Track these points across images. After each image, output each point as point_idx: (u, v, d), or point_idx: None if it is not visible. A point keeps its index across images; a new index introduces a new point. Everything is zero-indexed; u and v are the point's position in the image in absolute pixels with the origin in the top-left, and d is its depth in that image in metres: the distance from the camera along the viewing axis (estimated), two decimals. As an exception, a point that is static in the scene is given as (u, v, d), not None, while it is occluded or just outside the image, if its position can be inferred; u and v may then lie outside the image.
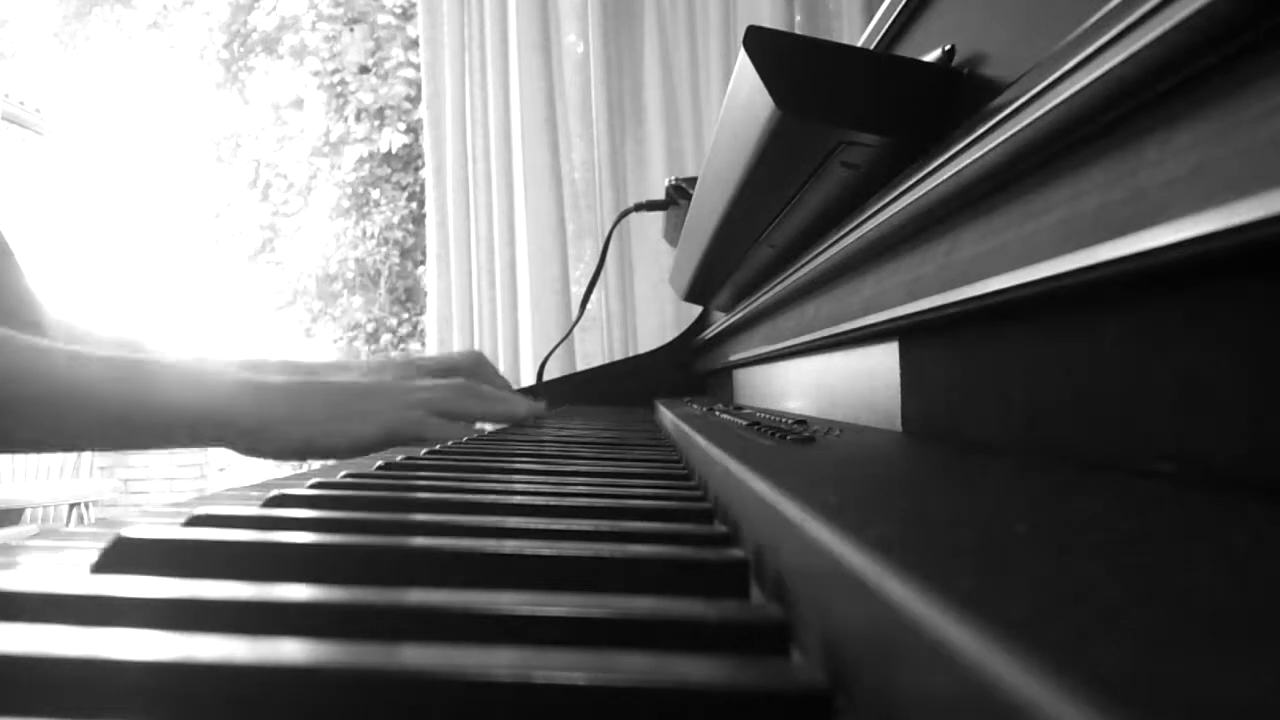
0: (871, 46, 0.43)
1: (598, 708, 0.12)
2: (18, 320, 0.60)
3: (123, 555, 0.19)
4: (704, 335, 1.00)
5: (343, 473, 0.34)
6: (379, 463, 0.38)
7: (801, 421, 0.42)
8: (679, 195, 1.05)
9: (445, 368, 0.79)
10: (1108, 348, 0.21)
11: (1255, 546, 0.12)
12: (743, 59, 0.37)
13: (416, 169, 5.57)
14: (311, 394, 0.61)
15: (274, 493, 0.27)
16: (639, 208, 1.16)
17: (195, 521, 0.23)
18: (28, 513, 3.29)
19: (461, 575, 0.19)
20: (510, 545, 0.19)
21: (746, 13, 1.43)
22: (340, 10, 5.91)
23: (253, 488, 0.33)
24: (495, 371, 0.84)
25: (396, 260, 5.76)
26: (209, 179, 6.51)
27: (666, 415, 0.66)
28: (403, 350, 5.70)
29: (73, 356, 0.54)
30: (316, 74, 5.90)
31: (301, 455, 0.61)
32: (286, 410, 0.59)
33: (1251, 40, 0.15)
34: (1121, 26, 0.18)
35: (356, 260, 5.74)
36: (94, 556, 0.19)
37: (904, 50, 0.40)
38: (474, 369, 0.80)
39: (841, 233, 0.37)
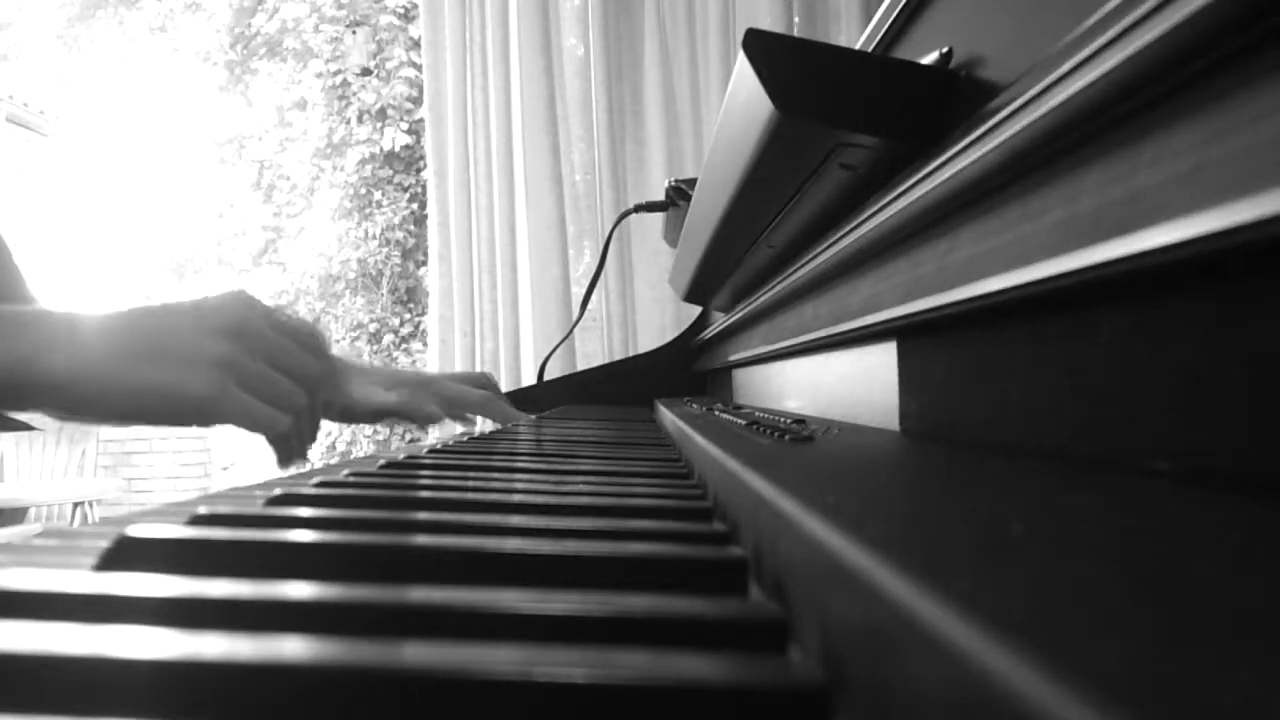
0: (870, 49, 0.43)
1: (598, 705, 0.12)
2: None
3: (126, 554, 0.19)
4: (703, 335, 1.00)
5: (345, 471, 0.34)
6: (381, 461, 0.38)
7: (800, 421, 0.42)
8: (678, 196, 1.05)
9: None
10: (1105, 348, 0.21)
11: (1253, 545, 0.12)
12: (742, 61, 0.38)
13: (418, 170, 5.57)
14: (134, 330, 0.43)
15: (277, 491, 0.28)
16: (639, 209, 1.16)
17: (199, 520, 0.23)
18: (32, 511, 3.30)
19: (464, 573, 0.19)
20: (512, 544, 0.20)
21: (745, 15, 1.43)
22: (343, 13, 5.92)
23: (256, 486, 0.33)
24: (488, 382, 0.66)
25: (398, 261, 5.76)
26: (213, 180, 6.52)
27: (666, 415, 0.66)
28: (405, 350, 5.70)
29: None
30: (319, 75, 5.91)
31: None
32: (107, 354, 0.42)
33: (1246, 43, 0.15)
34: (1118, 29, 0.18)
35: (358, 261, 5.75)
36: (98, 556, 0.19)
37: (902, 53, 0.40)
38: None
39: (840, 233, 0.37)
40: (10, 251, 0.59)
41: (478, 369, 1.71)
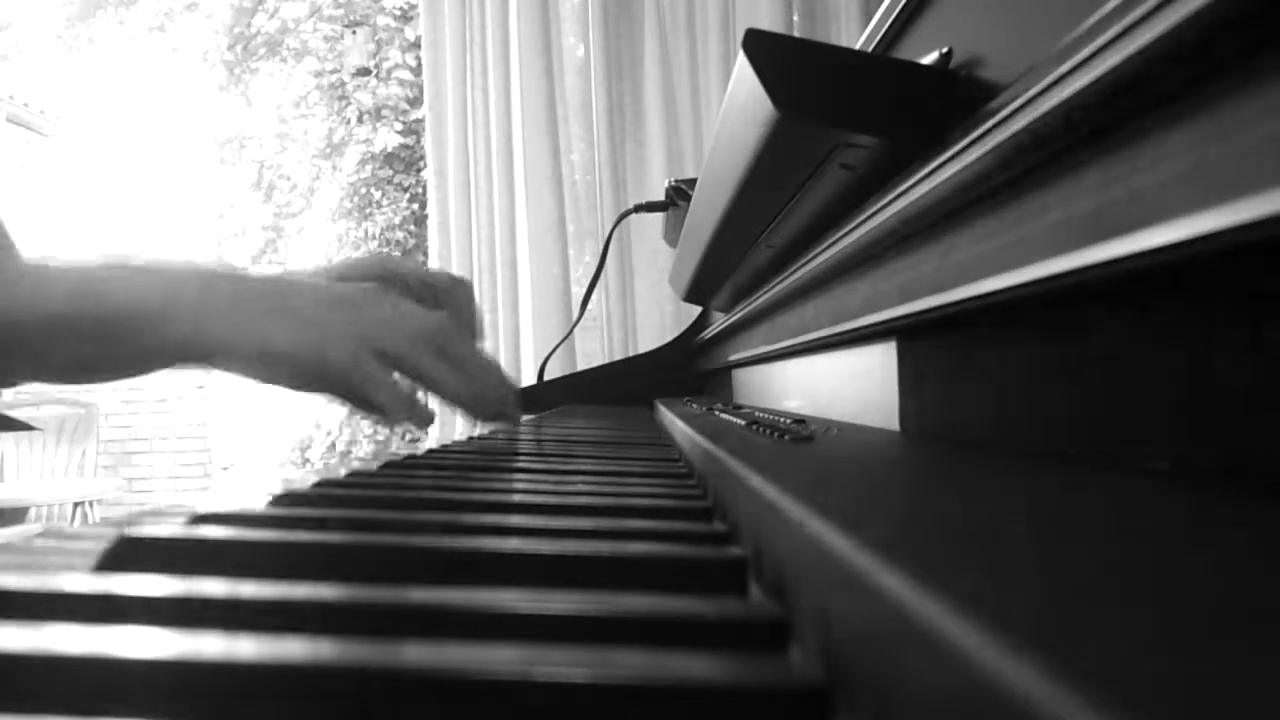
0: (869, 49, 0.43)
1: (598, 705, 0.12)
2: None
3: (127, 554, 0.19)
4: (703, 335, 1.00)
5: (345, 471, 0.34)
6: (381, 461, 0.38)
7: (800, 421, 0.42)
8: (678, 196, 1.05)
9: (418, 282, 0.54)
10: (1104, 347, 0.21)
11: (1253, 545, 0.12)
12: (742, 61, 0.38)
13: (418, 170, 5.58)
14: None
15: (278, 491, 0.28)
16: (639, 209, 1.16)
17: (199, 520, 0.23)
18: (32, 511, 3.30)
19: (463, 573, 0.19)
20: (511, 544, 0.20)
21: (745, 15, 1.43)
22: (341, 12, 5.93)
23: (257, 486, 0.33)
24: (474, 313, 0.56)
25: (398, 261, 5.76)
26: (213, 180, 6.53)
27: (666, 415, 0.66)
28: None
29: None
30: (318, 75, 5.91)
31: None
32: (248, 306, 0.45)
33: (1245, 43, 0.15)
34: (1118, 29, 0.18)
35: (358, 261, 5.74)
36: (98, 556, 0.19)
37: (901, 53, 0.40)
38: (451, 295, 0.54)
39: (840, 233, 0.37)
40: None
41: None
